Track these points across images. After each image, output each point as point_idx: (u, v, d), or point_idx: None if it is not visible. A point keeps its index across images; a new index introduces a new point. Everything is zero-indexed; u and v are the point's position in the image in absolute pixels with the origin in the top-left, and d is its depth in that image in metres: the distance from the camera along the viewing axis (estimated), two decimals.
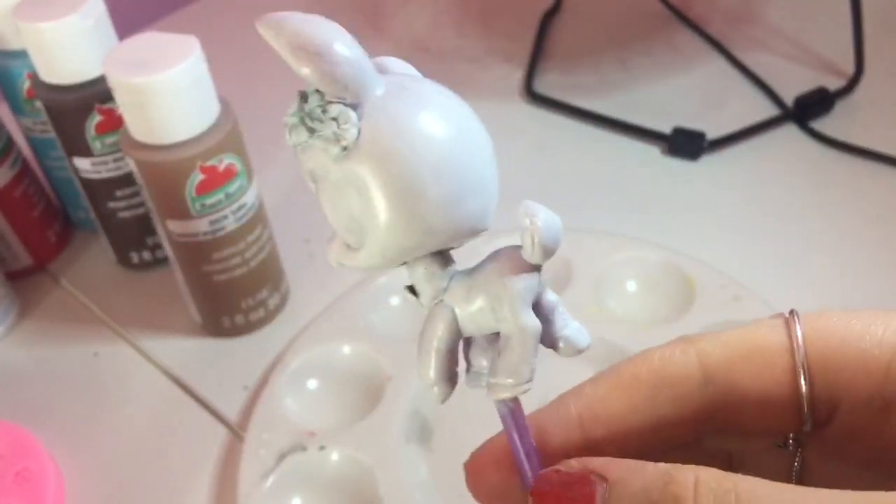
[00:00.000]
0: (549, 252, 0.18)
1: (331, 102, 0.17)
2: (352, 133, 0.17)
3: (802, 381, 0.19)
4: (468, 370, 0.20)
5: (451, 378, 0.19)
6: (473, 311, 0.19)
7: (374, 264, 0.18)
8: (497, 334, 0.19)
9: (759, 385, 0.20)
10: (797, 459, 0.21)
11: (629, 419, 0.20)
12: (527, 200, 0.18)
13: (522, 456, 0.20)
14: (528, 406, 0.20)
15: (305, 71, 0.17)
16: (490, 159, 0.19)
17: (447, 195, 0.18)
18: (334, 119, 0.17)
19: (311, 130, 0.17)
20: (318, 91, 0.17)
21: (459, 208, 0.18)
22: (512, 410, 0.20)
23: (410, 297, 0.19)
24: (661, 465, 0.18)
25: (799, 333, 0.19)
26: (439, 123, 0.18)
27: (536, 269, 0.19)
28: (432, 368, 0.19)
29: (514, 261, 0.19)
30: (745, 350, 0.20)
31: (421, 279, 0.19)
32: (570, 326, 0.20)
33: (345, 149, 0.17)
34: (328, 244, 0.19)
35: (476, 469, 0.21)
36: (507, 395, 0.19)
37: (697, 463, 0.23)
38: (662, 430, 0.20)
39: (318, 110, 0.17)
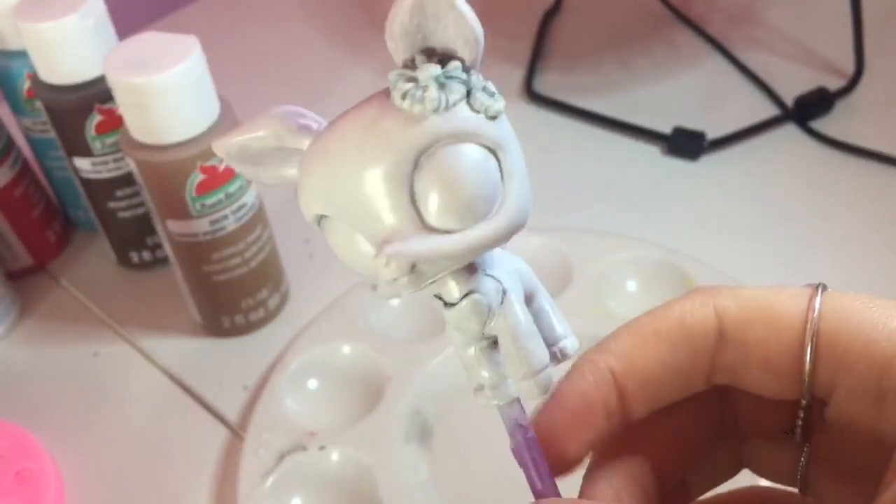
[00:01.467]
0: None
1: (469, 69, 0.18)
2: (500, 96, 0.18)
3: (807, 355, 0.19)
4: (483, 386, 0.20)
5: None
6: (520, 292, 0.20)
7: (496, 236, 0.18)
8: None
9: (765, 349, 0.20)
10: (803, 456, 0.21)
11: (655, 371, 0.21)
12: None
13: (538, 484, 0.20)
14: (530, 406, 0.20)
15: (470, 34, 0.17)
16: None
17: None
18: (486, 81, 0.18)
19: (468, 90, 0.17)
20: (441, 59, 0.17)
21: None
22: (529, 447, 0.20)
23: (475, 300, 0.19)
24: None
25: (817, 307, 0.19)
26: None
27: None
28: (542, 351, 0.19)
29: (498, 249, 0.20)
30: (760, 311, 0.20)
31: (481, 283, 0.19)
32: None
33: (503, 108, 0.18)
34: (395, 243, 0.17)
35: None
36: (572, 346, 0.20)
37: (709, 468, 0.23)
38: (682, 383, 0.21)
39: (463, 74, 0.17)
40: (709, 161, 0.53)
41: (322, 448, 0.39)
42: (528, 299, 0.20)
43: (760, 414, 0.22)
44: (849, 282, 0.45)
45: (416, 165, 0.17)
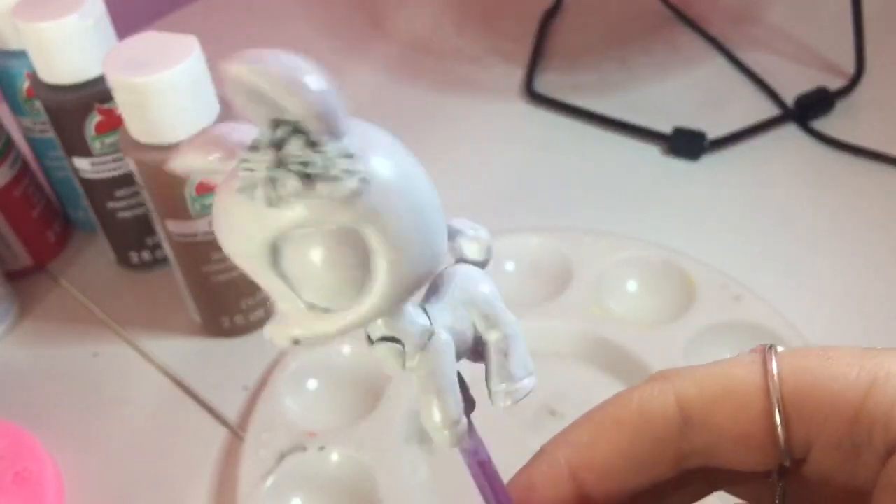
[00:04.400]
0: (491, 251, 0.19)
1: (316, 143, 0.15)
2: (361, 168, 0.16)
3: (778, 422, 0.19)
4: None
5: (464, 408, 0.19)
6: (464, 328, 0.19)
7: (373, 313, 0.17)
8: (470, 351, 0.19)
9: (736, 425, 0.19)
10: (779, 489, 0.21)
11: (615, 463, 0.20)
12: (455, 218, 0.19)
13: None
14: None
15: (298, 107, 0.15)
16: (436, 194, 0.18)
17: (439, 226, 0.17)
18: (336, 156, 0.15)
19: (306, 175, 0.15)
20: (291, 133, 0.15)
21: (443, 242, 0.18)
22: (484, 471, 0.20)
23: (388, 348, 0.18)
24: None
25: (775, 372, 0.19)
26: (415, 166, 0.17)
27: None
28: (457, 402, 0.18)
29: (470, 271, 0.19)
30: (720, 390, 0.20)
31: (399, 325, 0.18)
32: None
33: (359, 185, 0.16)
34: (274, 325, 0.17)
35: None
36: (530, 387, 0.19)
37: (680, 495, 0.23)
38: (646, 470, 0.20)
39: (306, 152, 0.15)
40: (709, 161, 0.53)
41: (322, 448, 0.39)
42: (485, 330, 0.19)
43: (734, 470, 0.21)
44: (849, 281, 0.45)
45: (274, 253, 0.16)
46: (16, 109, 0.48)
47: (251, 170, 0.16)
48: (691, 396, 0.20)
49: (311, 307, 0.17)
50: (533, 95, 0.59)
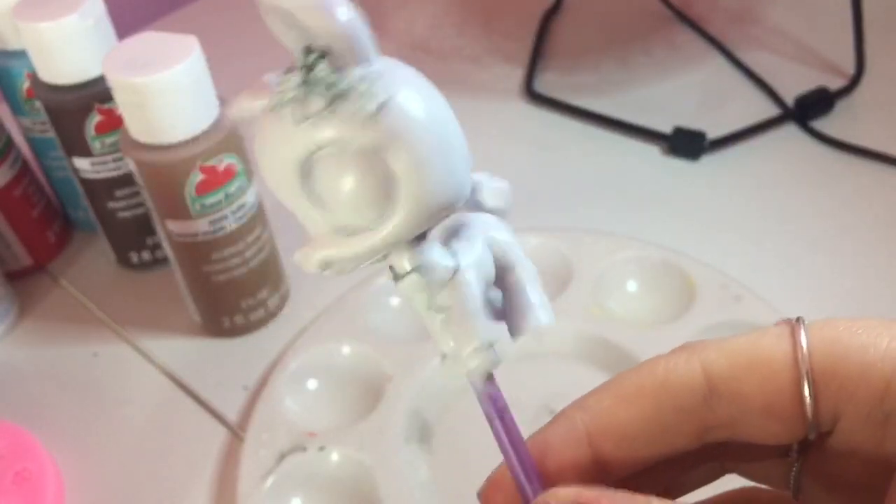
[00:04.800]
0: (510, 199, 0.20)
1: (343, 67, 0.16)
2: (384, 91, 0.16)
3: (807, 393, 0.19)
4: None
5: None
6: (487, 266, 0.19)
7: (395, 236, 0.18)
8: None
9: (763, 396, 0.19)
10: (795, 467, 0.21)
11: (635, 430, 0.20)
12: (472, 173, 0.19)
13: (520, 473, 0.20)
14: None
15: (325, 29, 0.16)
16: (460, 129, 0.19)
17: (461, 157, 0.18)
18: (361, 78, 0.16)
19: (333, 96, 0.16)
20: (319, 58, 0.16)
21: (466, 173, 0.18)
22: (502, 418, 0.20)
23: (415, 280, 0.19)
24: (652, 498, 0.18)
25: (804, 343, 0.19)
26: (438, 98, 0.18)
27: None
28: (487, 327, 0.19)
29: (488, 218, 0.20)
30: (749, 360, 0.19)
31: (432, 259, 0.19)
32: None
33: (381, 106, 0.16)
34: (304, 248, 0.18)
35: (486, 496, 0.21)
36: (549, 318, 0.19)
37: (695, 473, 0.23)
38: (667, 440, 0.20)
39: (333, 75, 0.16)
40: (709, 161, 0.53)
41: (322, 448, 0.39)
42: (502, 272, 0.20)
43: (752, 446, 0.21)
44: (849, 281, 0.45)
45: (303, 174, 0.17)
46: (16, 109, 0.48)
47: (282, 91, 0.17)
48: (718, 367, 0.20)
49: (338, 231, 0.18)
50: (533, 95, 0.59)
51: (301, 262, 0.18)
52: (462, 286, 0.19)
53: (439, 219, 0.18)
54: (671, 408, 0.20)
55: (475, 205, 0.20)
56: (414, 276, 0.19)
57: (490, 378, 0.20)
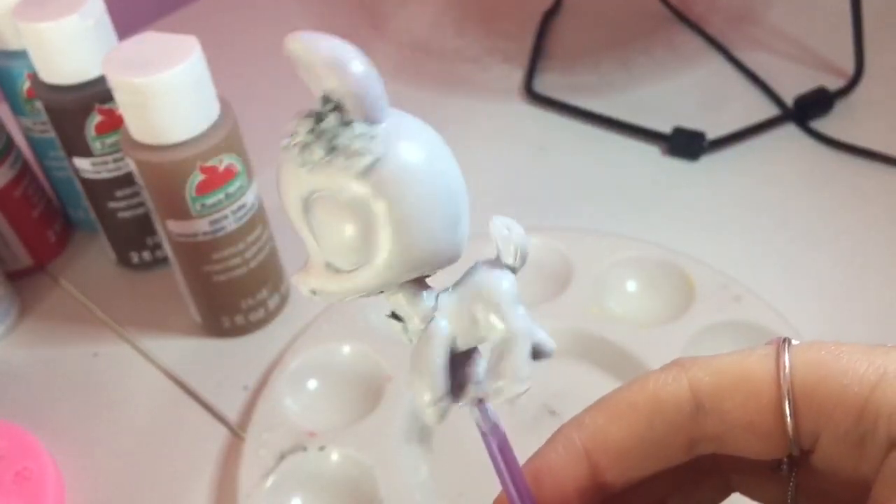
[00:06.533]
0: (525, 257, 0.20)
1: (349, 122, 0.18)
2: (379, 150, 0.17)
3: (787, 412, 0.20)
4: (454, 389, 0.20)
5: (449, 393, 0.20)
6: (466, 323, 0.20)
7: (371, 285, 0.19)
8: (475, 348, 0.20)
9: (746, 413, 0.20)
10: (792, 483, 0.22)
11: (629, 446, 0.21)
12: (496, 216, 0.20)
13: (515, 495, 0.20)
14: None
15: (337, 84, 0.17)
16: (464, 190, 0.20)
17: (452, 218, 0.19)
18: (359, 135, 0.18)
19: (332, 148, 0.18)
20: (333, 110, 0.18)
21: (456, 233, 0.19)
22: (500, 445, 0.20)
23: (395, 323, 0.20)
24: None
25: (787, 364, 0.20)
26: (442, 153, 0.19)
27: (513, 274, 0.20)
28: (438, 385, 0.19)
29: (495, 268, 0.20)
30: (734, 379, 0.20)
31: (405, 303, 0.20)
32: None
33: (373, 164, 0.17)
34: (300, 273, 0.20)
35: None
36: (517, 391, 0.19)
37: (695, 490, 0.23)
38: (659, 454, 0.21)
39: (339, 128, 0.18)
40: (709, 161, 0.53)
41: (322, 448, 0.39)
42: (488, 329, 0.20)
43: (744, 458, 0.22)
44: (849, 281, 0.46)
45: (305, 208, 0.19)
46: (16, 109, 0.48)
47: (295, 134, 0.18)
48: (704, 384, 0.20)
49: (328, 266, 0.19)
50: (533, 95, 0.59)
51: (296, 284, 0.20)
52: (427, 338, 0.20)
53: (425, 272, 0.19)
54: (661, 423, 0.21)
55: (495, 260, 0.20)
56: (393, 320, 0.20)
57: (486, 415, 0.20)
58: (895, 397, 0.19)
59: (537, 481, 0.21)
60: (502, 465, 0.21)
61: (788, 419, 0.20)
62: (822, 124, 0.54)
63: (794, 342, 0.20)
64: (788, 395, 0.20)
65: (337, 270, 0.19)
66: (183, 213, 0.40)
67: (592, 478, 0.21)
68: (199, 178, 0.39)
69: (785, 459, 0.21)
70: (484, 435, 0.21)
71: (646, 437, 0.21)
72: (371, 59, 0.18)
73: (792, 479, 0.21)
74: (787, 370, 0.20)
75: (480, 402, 0.20)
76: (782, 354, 0.20)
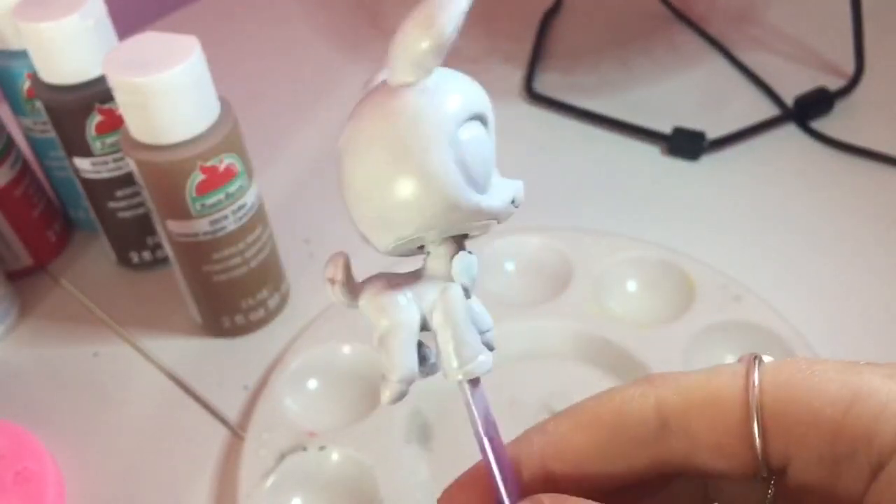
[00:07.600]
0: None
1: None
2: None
3: (756, 434, 0.19)
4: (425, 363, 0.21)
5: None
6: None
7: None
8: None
9: (713, 434, 0.20)
10: (770, 494, 0.21)
11: (590, 457, 0.21)
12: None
13: (499, 478, 0.20)
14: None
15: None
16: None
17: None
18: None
19: None
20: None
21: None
22: (489, 435, 0.21)
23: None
24: None
25: (756, 384, 0.19)
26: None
27: None
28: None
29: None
30: (701, 398, 0.20)
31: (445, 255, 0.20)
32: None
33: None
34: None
35: (448, 498, 0.21)
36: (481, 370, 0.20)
37: (672, 499, 0.23)
38: (623, 465, 0.21)
39: None
40: (709, 161, 0.53)
41: (322, 448, 0.39)
42: (430, 313, 0.21)
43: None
44: (849, 281, 0.46)
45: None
46: (16, 109, 0.48)
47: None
48: (671, 403, 0.20)
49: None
50: (533, 95, 0.59)
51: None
52: (455, 301, 0.20)
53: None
54: (625, 437, 0.20)
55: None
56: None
57: (477, 404, 0.21)
58: (870, 420, 0.18)
59: (487, 477, 0.21)
60: (489, 457, 0.21)
61: (757, 441, 0.19)
62: (822, 124, 0.54)
63: (765, 359, 0.20)
64: (756, 416, 0.19)
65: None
66: (183, 213, 0.40)
67: (545, 481, 0.21)
68: (199, 178, 0.39)
69: (763, 473, 0.20)
70: (478, 425, 0.21)
71: (606, 449, 0.20)
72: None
73: (770, 490, 0.21)
74: (756, 391, 0.19)
75: (470, 382, 0.20)
76: (752, 374, 0.19)
